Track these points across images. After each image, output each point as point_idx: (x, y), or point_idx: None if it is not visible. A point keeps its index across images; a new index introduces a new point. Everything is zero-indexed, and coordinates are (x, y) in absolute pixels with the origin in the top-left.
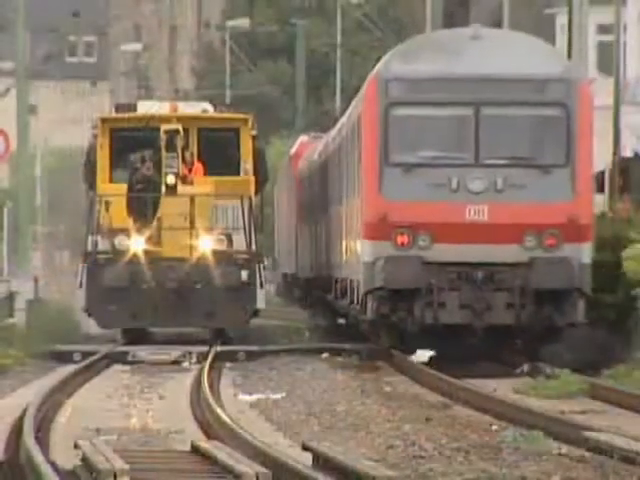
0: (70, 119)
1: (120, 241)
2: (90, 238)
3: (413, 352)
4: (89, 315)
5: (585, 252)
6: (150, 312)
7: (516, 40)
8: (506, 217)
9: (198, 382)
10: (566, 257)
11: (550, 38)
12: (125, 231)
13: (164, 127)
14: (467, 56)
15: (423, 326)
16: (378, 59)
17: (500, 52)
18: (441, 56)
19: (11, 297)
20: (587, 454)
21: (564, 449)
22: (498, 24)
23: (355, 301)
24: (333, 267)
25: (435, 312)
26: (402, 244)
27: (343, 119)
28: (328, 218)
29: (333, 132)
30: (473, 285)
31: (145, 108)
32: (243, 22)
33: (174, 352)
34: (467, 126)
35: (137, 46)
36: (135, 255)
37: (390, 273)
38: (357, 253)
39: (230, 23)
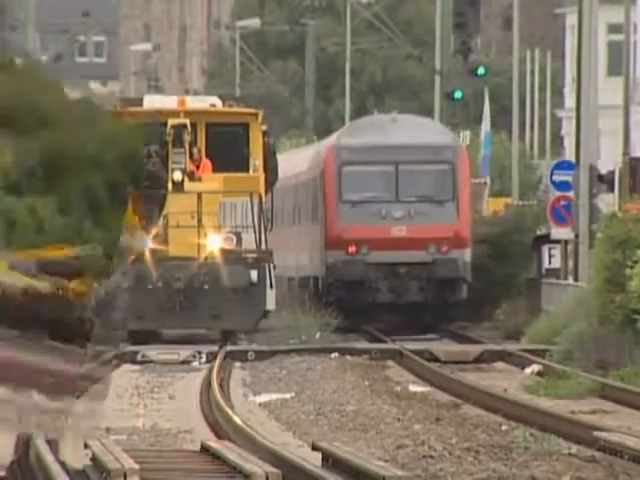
0: None
1: (125, 239)
2: None
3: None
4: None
5: (466, 254)
6: (156, 313)
7: (421, 122)
8: (416, 234)
9: (208, 382)
10: (454, 258)
11: (560, 38)
12: (130, 229)
13: (171, 121)
14: (389, 132)
15: (365, 304)
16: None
17: (410, 129)
18: (373, 132)
19: None
20: (597, 454)
21: (574, 449)
22: (508, 24)
23: (321, 289)
24: (303, 269)
25: (373, 295)
26: (351, 252)
27: (304, 162)
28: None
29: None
30: (397, 277)
31: (151, 102)
32: (253, 22)
33: (184, 352)
34: (390, 177)
35: (147, 46)
36: (140, 254)
37: (344, 271)
38: (323, 258)
39: (240, 23)
